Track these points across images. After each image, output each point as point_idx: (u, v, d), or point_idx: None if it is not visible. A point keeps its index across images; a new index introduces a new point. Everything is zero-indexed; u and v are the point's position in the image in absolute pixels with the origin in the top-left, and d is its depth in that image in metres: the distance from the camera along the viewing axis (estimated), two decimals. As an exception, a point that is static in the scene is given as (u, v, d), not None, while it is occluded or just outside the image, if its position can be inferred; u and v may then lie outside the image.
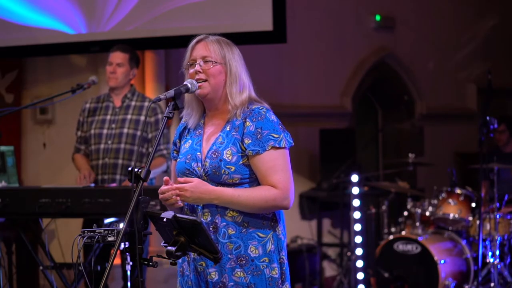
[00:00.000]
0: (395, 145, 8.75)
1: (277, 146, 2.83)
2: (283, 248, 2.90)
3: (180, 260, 2.91)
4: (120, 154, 5.02)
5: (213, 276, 2.85)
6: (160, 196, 2.80)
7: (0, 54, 6.29)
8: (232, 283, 2.83)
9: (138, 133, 5.01)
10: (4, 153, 4.89)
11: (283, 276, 2.89)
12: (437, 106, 8.94)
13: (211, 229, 2.84)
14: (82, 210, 4.40)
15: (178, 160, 2.96)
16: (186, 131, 3.02)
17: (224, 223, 2.84)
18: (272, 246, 2.86)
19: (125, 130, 5.03)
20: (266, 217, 2.87)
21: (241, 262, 2.83)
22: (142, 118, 5.04)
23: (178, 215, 2.64)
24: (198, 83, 2.88)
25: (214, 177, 2.83)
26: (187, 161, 2.91)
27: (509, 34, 9.38)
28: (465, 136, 8.69)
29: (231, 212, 2.84)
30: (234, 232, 2.84)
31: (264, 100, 2.96)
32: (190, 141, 2.97)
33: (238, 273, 2.83)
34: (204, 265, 2.86)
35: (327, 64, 7.94)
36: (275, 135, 2.84)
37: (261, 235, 2.85)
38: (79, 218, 4.99)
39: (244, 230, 2.84)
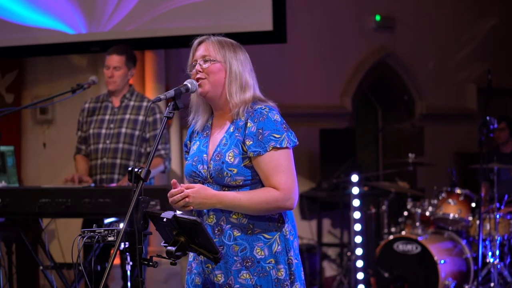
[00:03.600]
0: (395, 145, 8.75)
1: (279, 146, 2.80)
2: (291, 248, 2.87)
3: (190, 258, 2.93)
4: (118, 154, 5.03)
5: (219, 278, 2.84)
6: (170, 199, 2.78)
7: (0, 54, 6.29)
8: (238, 285, 2.81)
9: (136, 133, 5.02)
10: (4, 153, 4.89)
11: (292, 277, 2.85)
12: (437, 106, 8.94)
13: (216, 231, 2.83)
14: (82, 210, 4.40)
15: (187, 162, 2.96)
16: (196, 132, 3.01)
17: (229, 225, 2.82)
18: (279, 247, 2.84)
19: (123, 130, 5.04)
20: (272, 218, 2.85)
21: (247, 264, 2.82)
22: (140, 118, 5.05)
23: (178, 215, 2.64)
24: (198, 81, 2.88)
25: (218, 180, 2.83)
26: (194, 163, 2.90)
27: (509, 34, 9.38)
28: (465, 136, 8.69)
29: (236, 215, 2.82)
30: (239, 234, 2.82)
31: (270, 99, 2.93)
32: (198, 142, 2.96)
33: (244, 275, 2.82)
34: (210, 267, 2.86)
35: (327, 64, 7.94)
36: (277, 135, 2.81)
37: (267, 236, 2.83)
38: (79, 218, 4.99)
39: (249, 232, 2.82)
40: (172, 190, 2.77)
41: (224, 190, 2.82)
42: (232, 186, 2.82)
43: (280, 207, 2.82)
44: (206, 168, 2.86)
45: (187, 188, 2.76)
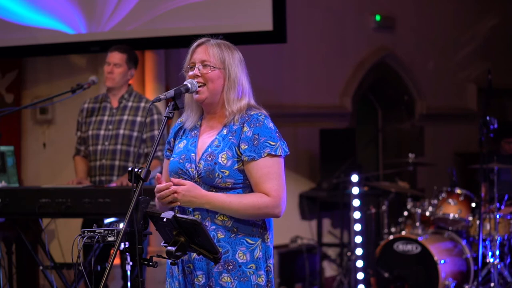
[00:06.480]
0: (395, 145, 8.75)
1: (273, 153, 2.82)
2: (270, 256, 2.90)
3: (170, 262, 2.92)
4: (116, 155, 5.03)
5: (200, 279, 2.85)
6: (157, 194, 2.79)
7: (0, 54, 6.29)
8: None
9: (134, 134, 5.02)
10: (4, 153, 4.89)
11: (269, 284, 2.88)
12: (437, 106, 8.94)
13: None
14: (82, 210, 4.40)
15: (172, 159, 2.95)
16: (182, 131, 3.01)
17: (214, 227, 2.83)
18: (260, 253, 2.86)
19: (121, 132, 5.03)
20: (256, 224, 2.86)
21: (228, 267, 2.83)
22: (138, 119, 5.04)
23: (178, 215, 2.64)
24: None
25: (207, 180, 2.83)
26: (181, 161, 2.90)
27: (509, 34, 9.39)
28: (465, 136, 8.69)
29: (221, 217, 2.83)
30: (223, 236, 2.83)
31: (263, 106, 2.94)
32: (185, 141, 2.96)
33: (225, 278, 2.82)
34: (192, 267, 2.86)
35: (327, 64, 7.94)
36: (272, 143, 2.83)
37: (249, 241, 2.85)
38: (79, 218, 4.99)
39: (233, 235, 2.83)
40: (160, 185, 2.78)
41: (211, 191, 2.82)
42: (221, 188, 2.82)
43: (268, 214, 2.83)
44: (194, 167, 2.86)
45: (178, 184, 2.76)
